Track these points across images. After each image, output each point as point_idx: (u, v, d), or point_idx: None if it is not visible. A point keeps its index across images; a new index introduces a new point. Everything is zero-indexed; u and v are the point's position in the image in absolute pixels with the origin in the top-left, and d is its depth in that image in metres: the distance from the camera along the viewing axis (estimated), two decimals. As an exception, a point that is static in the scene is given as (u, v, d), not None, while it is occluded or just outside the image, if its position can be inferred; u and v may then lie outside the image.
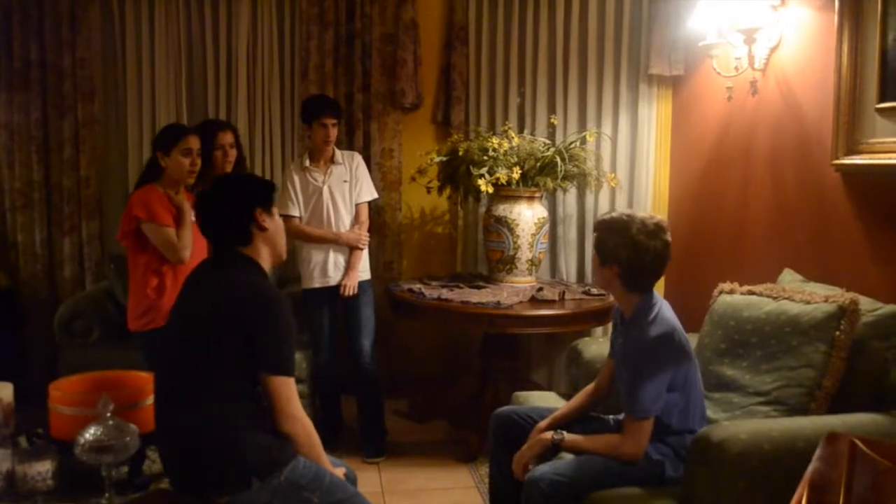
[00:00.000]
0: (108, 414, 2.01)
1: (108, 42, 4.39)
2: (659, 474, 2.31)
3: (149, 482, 2.25)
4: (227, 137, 3.44)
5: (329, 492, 2.08)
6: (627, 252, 2.29)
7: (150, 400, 2.23)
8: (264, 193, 2.23)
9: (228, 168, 3.44)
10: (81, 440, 1.98)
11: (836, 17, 2.84)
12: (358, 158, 3.82)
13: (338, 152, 3.74)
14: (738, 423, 2.26)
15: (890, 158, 2.63)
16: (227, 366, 2.04)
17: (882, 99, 2.68)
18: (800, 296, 2.52)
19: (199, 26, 4.41)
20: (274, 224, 2.22)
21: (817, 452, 1.48)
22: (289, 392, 2.07)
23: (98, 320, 3.98)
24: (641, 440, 2.26)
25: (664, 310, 2.34)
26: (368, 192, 3.79)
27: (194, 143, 3.09)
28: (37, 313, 4.32)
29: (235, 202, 2.18)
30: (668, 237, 2.32)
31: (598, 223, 2.42)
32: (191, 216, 3.06)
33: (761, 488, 2.05)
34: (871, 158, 2.72)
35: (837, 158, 2.86)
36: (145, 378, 2.34)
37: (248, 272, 2.15)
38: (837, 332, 2.34)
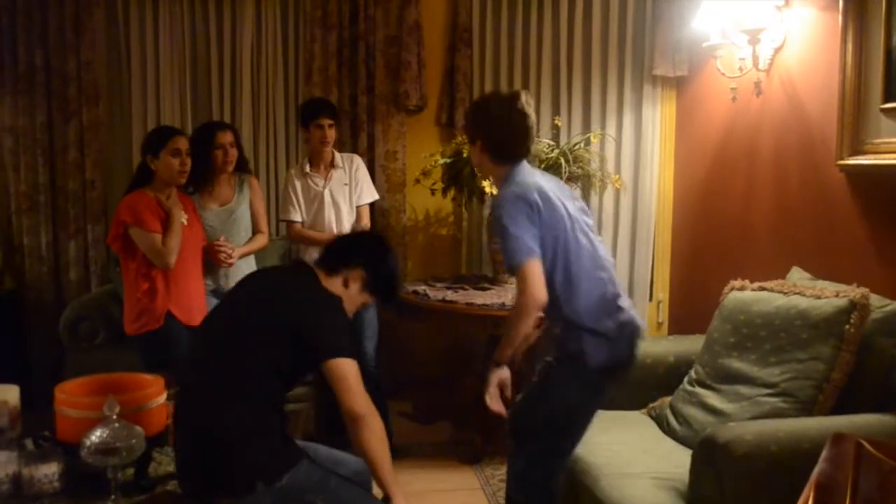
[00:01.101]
0: (114, 416, 2.01)
1: (113, 45, 4.39)
2: (579, 357, 2.37)
3: (155, 484, 2.25)
4: (227, 137, 3.41)
5: (334, 494, 2.08)
6: (487, 127, 2.45)
7: (156, 402, 2.24)
8: (384, 276, 2.29)
9: (229, 168, 3.42)
10: (87, 442, 1.97)
11: (840, 18, 2.83)
12: (357, 161, 3.82)
13: (338, 156, 3.74)
14: (744, 424, 2.26)
15: (894, 159, 2.62)
16: (250, 368, 2.06)
17: (887, 99, 2.68)
18: (810, 291, 2.53)
19: (204, 29, 4.42)
20: (357, 294, 2.25)
21: (823, 453, 1.47)
22: (350, 370, 2.06)
23: (103, 323, 3.98)
24: (529, 286, 2.27)
25: (529, 174, 2.43)
26: (369, 194, 3.79)
27: (182, 143, 3.09)
28: (42, 316, 4.33)
29: (358, 249, 2.31)
30: (523, 106, 2.42)
31: (466, 110, 2.56)
32: (181, 220, 3.07)
33: (767, 490, 2.05)
34: (875, 159, 2.72)
35: (842, 159, 2.86)
36: (151, 380, 2.33)
37: (307, 279, 2.21)
38: (847, 326, 2.35)
